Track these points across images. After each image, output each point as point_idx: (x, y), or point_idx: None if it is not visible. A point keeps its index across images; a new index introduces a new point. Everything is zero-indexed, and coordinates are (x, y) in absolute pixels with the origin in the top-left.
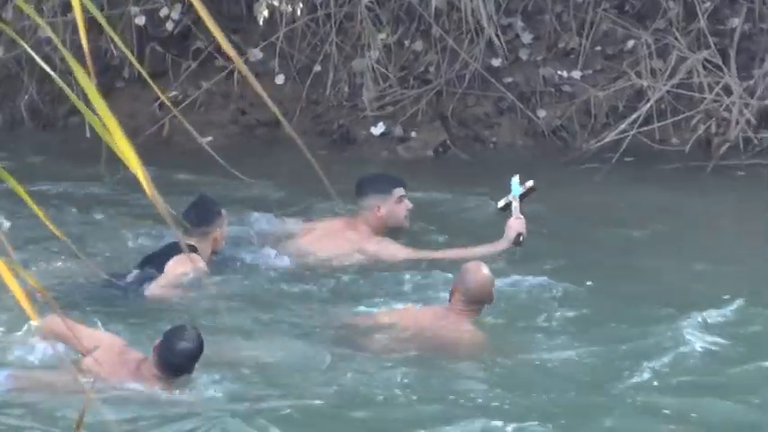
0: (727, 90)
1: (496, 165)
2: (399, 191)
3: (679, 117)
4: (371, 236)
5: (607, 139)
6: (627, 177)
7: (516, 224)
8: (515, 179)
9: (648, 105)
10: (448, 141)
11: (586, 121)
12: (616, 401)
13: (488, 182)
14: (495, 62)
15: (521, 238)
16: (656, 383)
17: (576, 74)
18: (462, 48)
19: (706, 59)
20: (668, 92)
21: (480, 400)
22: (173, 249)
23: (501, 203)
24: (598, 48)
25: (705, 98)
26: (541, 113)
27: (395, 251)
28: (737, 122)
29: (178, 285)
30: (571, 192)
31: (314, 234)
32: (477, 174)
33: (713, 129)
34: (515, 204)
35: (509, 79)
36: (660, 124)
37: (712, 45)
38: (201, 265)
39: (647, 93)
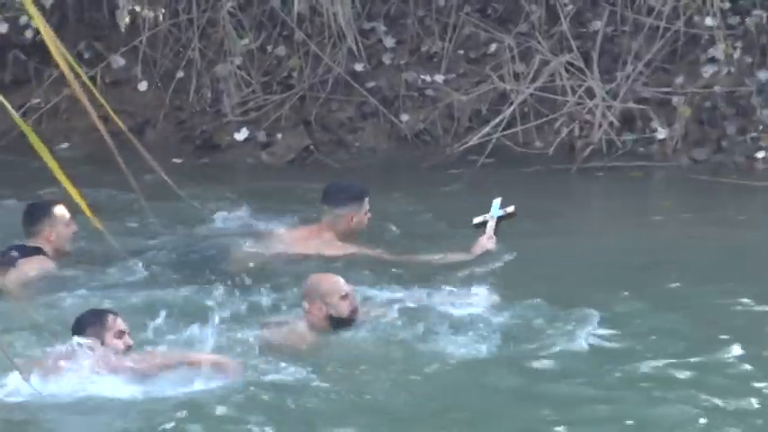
0: (590, 93)
1: (360, 169)
2: (367, 199)
3: (542, 120)
4: (335, 241)
5: (470, 143)
6: (490, 181)
7: (485, 242)
8: (497, 201)
9: (512, 109)
10: (311, 146)
11: (450, 125)
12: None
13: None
14: (358, 67)
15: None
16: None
17: (439, 78)
18: (325, 53)
19: (569, 62)
20: (531, 95)
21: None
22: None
23: (477, 220)
24: (461, 51)
25: (568, 101)
26: (404, 117)
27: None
28: (600, 125)
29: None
30: (434, 196)
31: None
32: (339, 178)
33: (576, 131)
34: (491, 224)
35: (372, 84)
36: (523, 127)
37: (575, 48)
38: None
39: (511, 96)
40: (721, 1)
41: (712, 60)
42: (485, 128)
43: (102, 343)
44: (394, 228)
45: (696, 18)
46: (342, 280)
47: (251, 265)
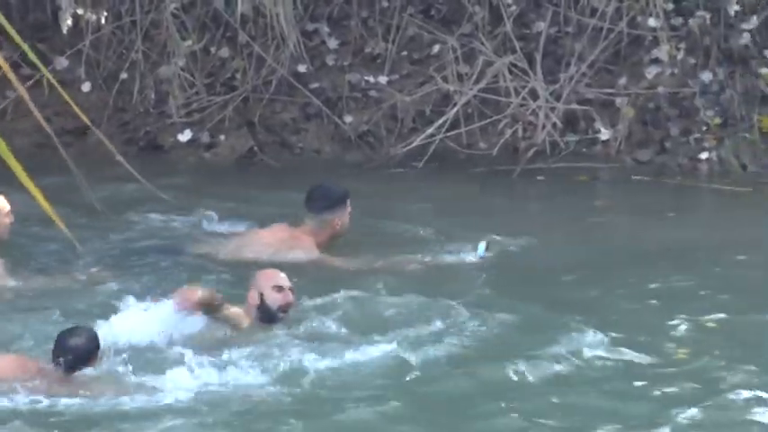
0: (534, 94)
1: (303, 171)
2: (349, 201)
3: (486, 121)
4: (314, 249)
5: (414, 144)
6: (434, 182)
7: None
8: (482, 245)
9: (455, 110)
10: (255, 147)
11: (393, 126)
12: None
13: (295, 186)
14: (302, 68)
15: None
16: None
17: (383, 79)
18: (269, 54)
19: (512, 64)
20: (475, 96)
21: None
22: None
23: (470, 258)
24: (404, 53)
25: (511, 102)
26: (348, 119)
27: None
28: (544, 126)
29: None
30: (378, 197)
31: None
32: (283, 179)
33: (520, 133)
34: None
35: (315, 85)
36: (467, 128)
37: (518, 49)
38: None
39: (454, 97)
40: (665, 2)
41: (656, 61)
42: (428, 129)
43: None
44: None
45: (639, 19)
46: (283, 275)
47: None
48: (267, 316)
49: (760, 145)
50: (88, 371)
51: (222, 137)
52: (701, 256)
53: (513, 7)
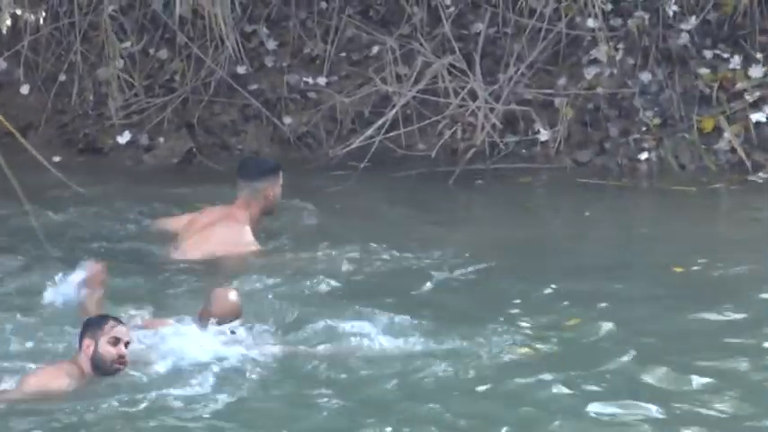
0: (473, 95)
1: None
2: (281, 173)
3: (425, 122)
4: (248, 228)
5: (353, 146)
6: (373, 183)
7: None
8: None
9: (394, 111)
10: (194, 149)
11: (332, 128)
12: None
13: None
14: (241, 69)
15: None
16: None
17: (322, 80)
18: (207, 55)
19: (451, 64)
20: (414, 97)
21: None
22: None
23: None
24: (343, 54)
25: (450, 103)
26: (287, 120)
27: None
28: (483, 127)
29: None
30: (318, 198)
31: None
32: (223, 181)
33: (459, 134)
34: None
35: (254, 86)
36: (406, 130)
37: (457, 50)
38: None
39: (393, 98)
40: (603, 2)
41: (594, 62)
42: (367, 130)
43: (96, 347)
44: (279, 230)
45: (578, 19)
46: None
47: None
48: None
49: (699, 145)
50: None
51: (161, 139)
52: (641, 253)
53: (452, 8)
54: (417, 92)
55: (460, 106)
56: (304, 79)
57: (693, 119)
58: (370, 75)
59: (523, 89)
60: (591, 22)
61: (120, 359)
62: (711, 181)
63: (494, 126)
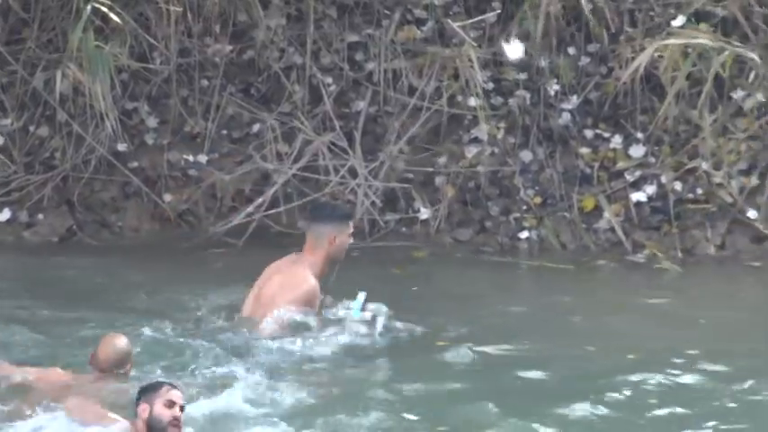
0: (353, 173)
1: (123, 249)
2: (351, 224)
3: (305, 200)
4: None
5: (233, 223)
6: (253, 261)
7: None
8: (361, 297)
9: (274, 189)
10: (74, 227)
11: (213, 205)
12: None
13: (114, 265)
14: (121, 147)
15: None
16: None
17: (202, 158)
18: (88, 132)
19: (332, 142)
20: (294, 175)
21: None
22: None
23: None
24: (224, 131)
25: (331, 181)
26: (167, 198)
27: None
28: (363, 204)
29: None
30: (196, 277)
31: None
32: (102, 258)
33: None
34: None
35: (135, 164)
36: (286, 207)
37: (338, 128)
38: None
39: (274, 176)
40: (484, 81)
41: (475, 140)
42: (247, 208)
43: (152, 410)
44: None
45: (459, 98)
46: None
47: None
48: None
49: (579, 224)
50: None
51: (41, 216)
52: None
53: (333, 86)
54: (298, 169)
55: (340, 184)
56: (184, 157)
57: (574, 198)
58: (251, 152)
59: (403, 167)
60: (472, 101)
61: (175, 421)
62: (591, 260)
63: (373, 204)
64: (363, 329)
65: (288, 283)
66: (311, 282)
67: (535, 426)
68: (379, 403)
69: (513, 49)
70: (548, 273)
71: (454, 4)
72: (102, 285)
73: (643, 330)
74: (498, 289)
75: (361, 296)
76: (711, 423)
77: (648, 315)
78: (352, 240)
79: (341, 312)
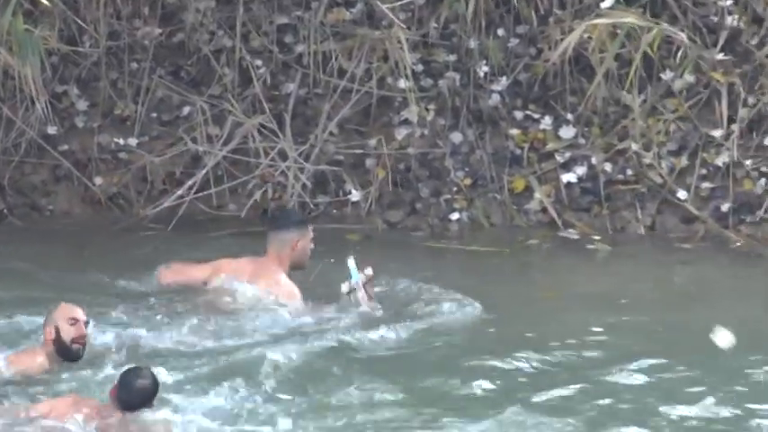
0: (283, 155)
1: (54, 233)
2: (311, 228)
3: (235, 182)
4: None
5: (163, 206)
6: (183, 243)
7: (370, 305)
8: (351, 263)
9: (205, 171)
10: (5, 210)
11: (143, 188)
12: None
13: (45, 249)
14: (51, 130)
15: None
16: None
17: (133, 141)
18: (18, 116)
19: (261, 125)
20: (224, 157)
21: None
22: None
23: (344, 289)
24: (154, 114)
25: (261, 163)
26: (98, 181)
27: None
28: (293, 187)
29: None
30: (128, 258)
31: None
32: (33, 241)
33: (269, 194)
34: (360, 294)
35: (65, 147)
36: (217, 189)
37: (268, 110)
38: None
39: (204, 159)
40: (414, 63)
41: (405, 122)
42: (178, 190)
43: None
44: (88, 290)
45: (389, 80)
46: (79, 309)
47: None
48: (64, 350)
49: (510, 205)
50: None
51: None
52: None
53: (263, 69)
54: (228, 152)
55: (270, 166)
56: (115, 140)
57: (504, 179)
58: (181, 135)
59: (334, 149)
60: (402, 83)
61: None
62: (523, 241)
63: (304, 186)
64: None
65: (284, 292)
66: (296, 288)
67: (461, 403)
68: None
69: (723, 338)
70: (480, 255)
71: None
72: (33, 268)
73: (567, 311)
74: (430, 271)
75: (351, 261)
76: (622, 406)
77: (573, 294)
78: (313, 246)
79: (343, 288)
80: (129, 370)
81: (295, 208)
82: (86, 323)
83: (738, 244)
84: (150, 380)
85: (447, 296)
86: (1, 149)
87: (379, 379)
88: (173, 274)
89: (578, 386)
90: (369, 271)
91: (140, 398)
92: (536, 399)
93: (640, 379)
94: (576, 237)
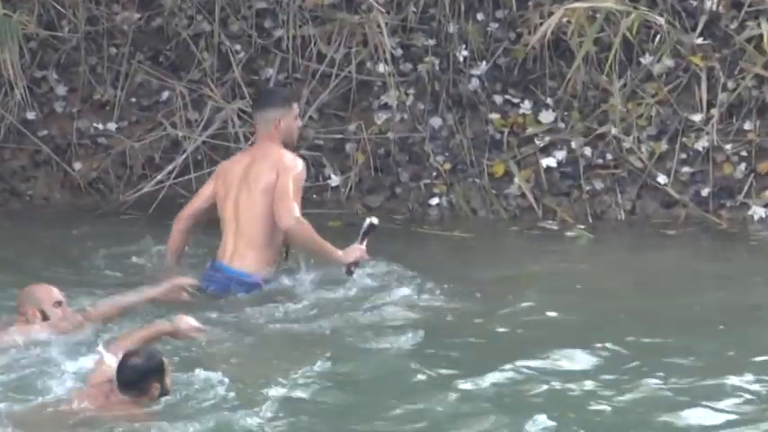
0: None
1: (35, 218)
2: (296, 106)
3: (215, 167)
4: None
5: (144, 191)
6: (162, 229)
7: (357, 250)
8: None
9: (184, 156)
10: None
11: (123, 173)
12: None
13: (26, 234)
14: (30, 115)
15: (352, 268)
16: None
17: (112, 126)
18: None
19: (241, 110)
20: (204, 142)
21: None
22: None
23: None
24: (133, 99)
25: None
26: (77, 166)
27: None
28: None
29: None
30: (108, 243)
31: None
32: (13, 227)
33: None
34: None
35: (44, 132)
36: (196, 174)
37: (247, 95)
38: None
39: (184, 144)
40: (393, 48)
41: (385, 107)
42: (157, 175)
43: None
44: (69, 275)
45: (368, 65)
46: (55, 289)
47: None
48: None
49: (490, 190)
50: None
51: None
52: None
53: (242, 54)
54: (207, 137)
55: None
56: (94, 125)
57: (484, 164)
58: (161, 120)
59: (313, 134)
60: (381, 68)
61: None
62: (503, 226)
63: None
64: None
65: (282, 165)
66: (299, 159)
67: (439, 395)
68: None
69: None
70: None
71: None
72: (12, 254)
73: (543, 296)
74: (409, 256)
75: (366, 222)
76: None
77: (554, 281)
78: (300, 123)
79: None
80: (131, 350)
81: (279, 86)
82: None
83: (719, 228)
84: (143, 359)
85: (416, 281)
86: None
87: (341, 355)
88: (185, 211)
89: (523, 369)
90: (375, 220)
91: (131, 375)
92: (481, 383)
93: (592, 364)
94: (555, 227)
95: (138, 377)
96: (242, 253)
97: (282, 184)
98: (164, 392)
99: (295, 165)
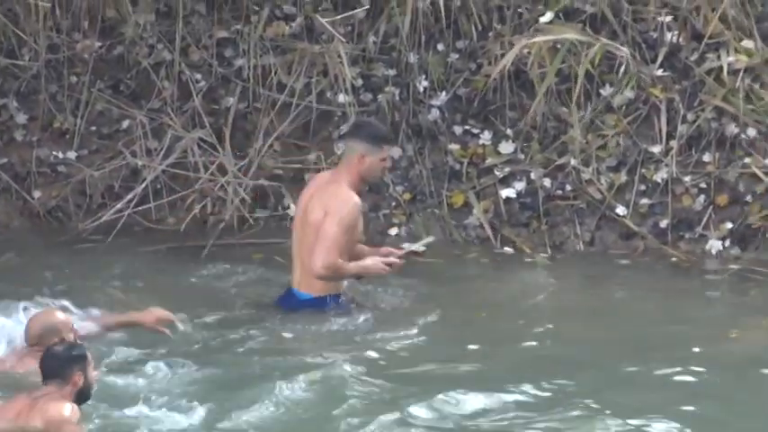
0: (222, 169)
1: None
2: (388, 150)
3: (174, 196)
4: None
5: (103, 220)
6: (122, 258)
7: (379, 268)
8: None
9: (144, 185)
10: None
11: (82, 202)
12: None
13: None
14: None
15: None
16: None
17: (72, 154)
18: None
19: (201, 139)
20: (164, 171)
21: None
22: None
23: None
24: (93, 128)
25: (200, 177)
26: (37, 194)
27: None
28: (232, 202)
29: None
30: (65, 272)
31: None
32: None
33: (209, 208)
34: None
35: (4, 160)
36: (156, 203)
37: (207, 124)
38: None
39: (143, 172)
40: (353, 78)
41: None
42: (117, 204)
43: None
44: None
45: (329, 94)
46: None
47: None
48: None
49: (449, 220)
50: None
51: None
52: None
53: (202, 83)
54: (167, 166)
55: (210, 180)
56: (54, 153)
57: (443, 194)
58: (120, 148)
59: (273, 164)
60: (341, 97)
61: None
62: (461, 255)
63: (243, 200)
64: None
65: (331, 206)
66: (354, 199)
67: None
68: None
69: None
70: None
71: None
72: None
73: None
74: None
75: (424, 240)
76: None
77: (508, 308)
78: (388, 165)
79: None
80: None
81: (380, 123)
82: None
83: (675, 260)
84: (66, 347)
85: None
86: None
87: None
88: None
89: (479, 397)
90: (423, 245)
91: (53, 361)
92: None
93: (541, 397)
94: (512, 252)
95: (60, 363)
96: (309, 282)
97: (325, 228)
98: (87, 385)
99: (343, 207)
